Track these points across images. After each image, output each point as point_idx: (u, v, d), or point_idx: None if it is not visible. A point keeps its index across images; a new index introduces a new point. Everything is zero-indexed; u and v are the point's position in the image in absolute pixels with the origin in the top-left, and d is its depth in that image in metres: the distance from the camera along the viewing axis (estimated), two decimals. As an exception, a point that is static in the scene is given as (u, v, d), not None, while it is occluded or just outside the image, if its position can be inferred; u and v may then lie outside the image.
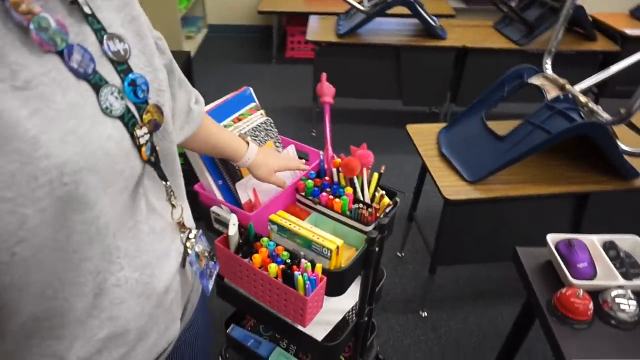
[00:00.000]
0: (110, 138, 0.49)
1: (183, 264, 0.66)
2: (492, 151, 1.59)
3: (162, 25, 3.46)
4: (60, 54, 0.45)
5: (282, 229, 1.00)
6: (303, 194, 1.13)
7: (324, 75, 1.23)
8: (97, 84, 0.49)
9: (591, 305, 1.00)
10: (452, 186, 1.54)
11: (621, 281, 1.06)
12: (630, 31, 2.78)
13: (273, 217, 1.01)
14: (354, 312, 1.25)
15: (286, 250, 0.98)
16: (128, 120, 0.52)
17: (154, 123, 0.56)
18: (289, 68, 3.93)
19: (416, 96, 2.90)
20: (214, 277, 0.74)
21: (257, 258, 0.97)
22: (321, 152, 1.20)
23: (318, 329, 1.15)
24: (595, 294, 1.05)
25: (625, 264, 1.11)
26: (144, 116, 0.54)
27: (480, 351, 1.76)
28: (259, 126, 1.16)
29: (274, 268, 0.95)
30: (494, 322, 1.87)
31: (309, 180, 1.13)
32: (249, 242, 1.00)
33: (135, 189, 0.55)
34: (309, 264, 0.94)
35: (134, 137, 0.52)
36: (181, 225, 0.66)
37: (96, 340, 0.54)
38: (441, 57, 2.73)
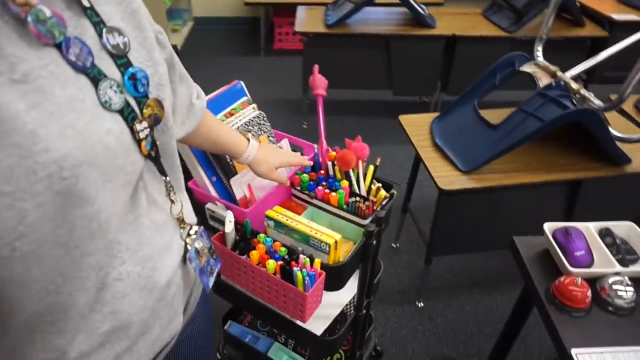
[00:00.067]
0: (110, 132, 0.48)
1: (184, 260, 0.66)
2: (485, 140, 1.59)
3: (147, 18, 3.39)
4: (58, 47, 0.45)
5: (279, 225, 0.99)
6: (299, 188, 1.12)
7: (316, 68, 1.21)
8: (95, 77, 0.48)
9: (589, 293, 1.01)
10: (446, 176, 1.53)
11: (618, 268, 1.07)
12: (618, 16, 2.78)
13: (270, 212, 0.99)
14: (352, 305, 1.25)
15: (284, 246, 0.97)
16: (128, 115, 0.51)
17: (155, 117, 0.56)
18: (277, 60, 3.89)
19: (406, 86, 2.89)
20: (214, 275, 0.73)
21: (254, 255, 0.95)
22: (315, 146, 1.18)
23: (317, 323, 1.15)
24: (593, 281, 1.05)
25: (621, 251, 1.11)
26: (145, 110, 0.54)
27: (477, 339, 1.77)
28: (252, 120, 1.14)
29: (272, 264, 0.93)
30: (489, 310, 1.89)
31: (304, 175, 1.12)
32: (245, 238, 0.99)
33: (136, 183, 0.55)
34: (307, 259, 0.93)
35: (133, 132, 0.52)
36: (181, 221, 0.65)
37: (99, 334, 0.54)
38: (431, 45, 2.72)
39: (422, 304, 1.89)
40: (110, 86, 0.49)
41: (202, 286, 0.79)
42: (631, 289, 1.03)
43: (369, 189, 1.12)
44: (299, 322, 1.10)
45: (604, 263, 1.09)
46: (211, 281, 0.72)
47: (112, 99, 0.49)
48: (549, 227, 1.15)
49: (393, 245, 2.16)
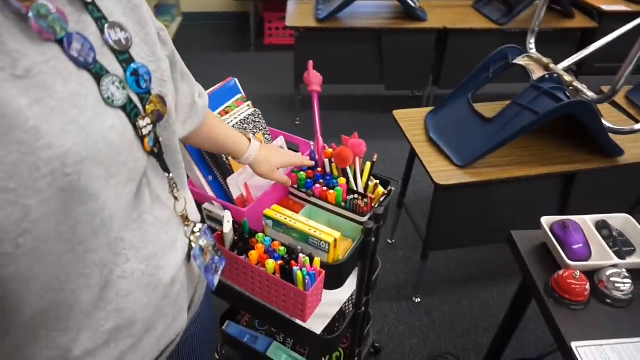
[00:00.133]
0: (113, 128, 0.48)
1: (189, 258, 0.65)
2: (480, 134, 1.58)
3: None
4: (59, 42, 0.44)
5: (277, 224, 0.97)
6: (296, 186, 1.11)
7: (310, 63, 1.20)
8: (98, 73, 0.48)
9: (588, 286, 1.01)
10: (442, 171, 1.53)
11: (615, 260, 1.07)
12: (607, 7, 2.79)
13: (268, 211, 0.98)
14: (350, 302, 1.24)
15: (283, 245, 0.96)
16: (130, 111, 0.51)
17: (157, 114, 0.55)
18: (268, 55, 3.87)
19: (399, 80, 2.88)
20: (219, 272, 0.73)
21: (253, 255, 0.94)
22: (312, 143, 1.17)
23: (316, 322, 1.14)
24: (591, 274, 1.06)
25: (618, 243, 1.12)
26: (147, 107, 0.54)
27: (474, 333, 1.78)
28: (247, 118, 1.13)
29: (271, 264, 0.92)
30: (485, 304, 1.89)
31: (301, 172, 1.10)
32: (244, 238, 0.98)
33: (139, 180, 0.55)
34: (307, 258, 0.92)
35: (136, 128, 0.52)
36: (185, 219, 0.65)
37: (103, 331, 0.54)
38: (422, 39, 2.71)
39: (419, 300, 1.90)
40: (113, 82, 0.49)
41: (206, 284, 0.79)
42: (629, 280, 1.03)
43: (366, 186, 1.12)
44: (298, 322, 1.09)
45: (602, 255, 1.09)
46: (216, 279, 0.72)
47: (114, 95, 0.49)
48: (546, 220, 1.15)
49: (389, 241, 2.16)
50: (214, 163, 1.04)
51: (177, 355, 0.72)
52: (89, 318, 0.52)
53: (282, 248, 0.95)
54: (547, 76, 1.58)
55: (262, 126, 1.16)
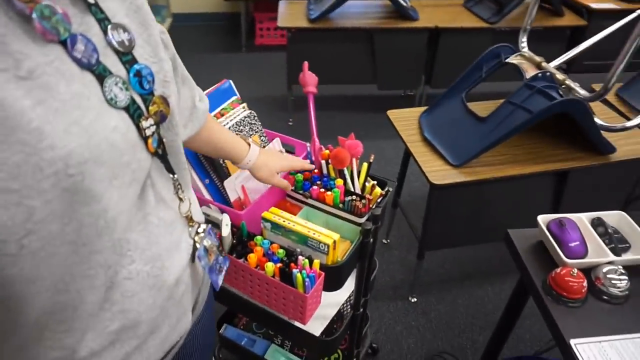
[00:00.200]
0: (116, 129, 0.48)
1: (193, 259, 0.65)
2: (474, 133, 1.59)
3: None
4: (63, 43, 0.44)
5: (276, 226, 0.97)
6: (293, 188, 1.10)
7: (305, 65, 1.19)
8: (101, 74, 0.48)
9: (585, 284, 1.02)
10: (437, 171, 1.53)
11: (611, 257, 1.08)
12: (596, 5, 2.82)
13: (266, 214, 0.98)
14: (348, 304, 1.24)
15: (282, 247, 0.96)
16: (134, 112, 0.51)
17: (161, 114, 0.55)
18: (259, 56, 3.85)
19: (391, 80, 2.89)
20: (224, 272, 0.73)
21: (252, 258, 0.94)
22: (308, 144, 1.16)
23: (315, 324, 1.14)
24: (587, 271, 1.06)
25: (613, 240, 1.13)
26: (150, 107, 0.53)
27: (470, 332, 1.79)
28: (243, 120, 1.12)
29: (270, 267, 0.92)
30: (481, 302, 1.90)
31: (299, 174, 1.10)
32: (242, 241, 0.97)
33: (144, 181, 0.55)
34: (306, 260, 0.91)
35: (139, 129, 0.52)
36: (189, 219, 0.65)
37: (108, 332, 0.54)
38: (414, 38, 2.72)
39: (415, 299, 1.90)
40: (116, 83, 0.49)
41: (209, 286, 0.79)
42: (625, 277, 1.04)
43: (363, 187, 1.11)
44: (297, 324, 1.09)
45: (598, 253, 1.10)
46: (220, 279, 0.72)
47: (117, 96, 0.49)
48: (543, 219, 1.15)
49: (384, 241, 2.16)
50: (211, 166, 1.03)
51: (178, 356, 0.72)
52: (94, 319, 0.52)
53: (280, 251, 0.95)
54: (539, 75, 1.59)
55: (258, 128, 1.15)
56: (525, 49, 1.79)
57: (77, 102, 0.44)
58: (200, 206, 1.02)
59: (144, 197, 0.55)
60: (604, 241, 1.11)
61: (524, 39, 1.82)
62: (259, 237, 0.97)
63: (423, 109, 1.82)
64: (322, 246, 0.93)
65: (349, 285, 1.14)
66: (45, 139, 0.41)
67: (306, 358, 1.31)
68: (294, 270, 0.90)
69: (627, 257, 1.11)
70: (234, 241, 0.97)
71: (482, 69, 1.74)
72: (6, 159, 0.39)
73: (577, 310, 1.01)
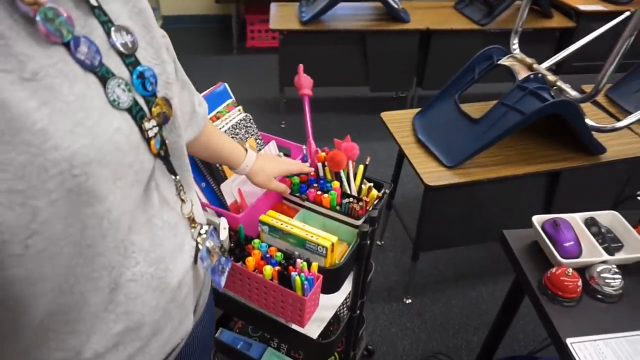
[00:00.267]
0: (119, 131, 0.48)
1: (195, 260, 0.66)
2: (468, 135, 1.60)
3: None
4: (66, 45, 0.45)
5: (273, 230, 0.97)
6: (289, 191, 1.10)
7: (301, 67, 1.19)
8: (104, 76, 0.48)
9: (580, 283, 1.03)
10: (432, 172, 1.54)
11: (605, 256, 1.09)
12: (584, 7, 2.86)
13: (263, 217, 0.98)
14: (345, 306, 1.24)
15: (279, 250, 0.95)
16: (136, 113, 0.51)
17: (163, 116, 0.56)
18: (251, 58, 3.84)
19: (383, 82, 2.90)
20: (226, 273, 0.73)
21: (250, 261, 0.93)
22: (304, 147, 1.16)
23: (312, 326, 1.14)
24: (582, 271, 1.08)
25: (606, 239, 1.14)
26: (153, 109, 0.54)
27: (464, 332, 1.79)
28: (239, 123, 1.12)
29: (269, 270, 0.92)
30: (475, 302, 1.91)
31: (295, 177, 1.10)
32: (240, 245, 0.97)
33: (147, 183, 0.55)
34: (304, 263, 0.91)
35: (142, 130, 0.52)
36: (192, 221, 0.65)
37: (112, 334, 0.54)
38: (406, 40, 2.73)
39: (409, 301, 1.91)
40: (119, 85, 0.49)
41: (210, 288, 0.79)
42: (618, 276, 1.05)
43: (360, 189, 1.12)
44: (294, 327, 1.08)
45: (592, 252, 1.11)
46: (223, 280, 0.72)
47: (120, 98, 0.49)
48: (537, 219, 1.16)
49: (378, 242, 2.16)
50: (207, 169, 1.03)
51: (178, 358, 0.72)
52: (98, 320, 0.52)
53: (278, 254, 0.95)
54: (531, 76, 1.61)
55: (253, 131, 1.15)
56: (517, 51, 1.81)
57: (80, 103, 0.45)
58: (197, 210, 1.02)
59: (149, 199, 0.56)
60: (597, 241, 1.13)
61: (516, 41, 1.84)
62: (256, 241, 0.97)
63: (416, 110, 1.83)
64: (320, 249, 0.93)
65: (346, 287, 1.14)
66: (50, 139, 0.41)
67: (303, 361, 1.31)
68: (293, 273, 0.89)
69: (620, 256, 1.12)
70: (232, 245, 0.96)
71: (474, 70, 1.75)
72: (11, 159, 0.39)
73: (573, 310, 1.02)
